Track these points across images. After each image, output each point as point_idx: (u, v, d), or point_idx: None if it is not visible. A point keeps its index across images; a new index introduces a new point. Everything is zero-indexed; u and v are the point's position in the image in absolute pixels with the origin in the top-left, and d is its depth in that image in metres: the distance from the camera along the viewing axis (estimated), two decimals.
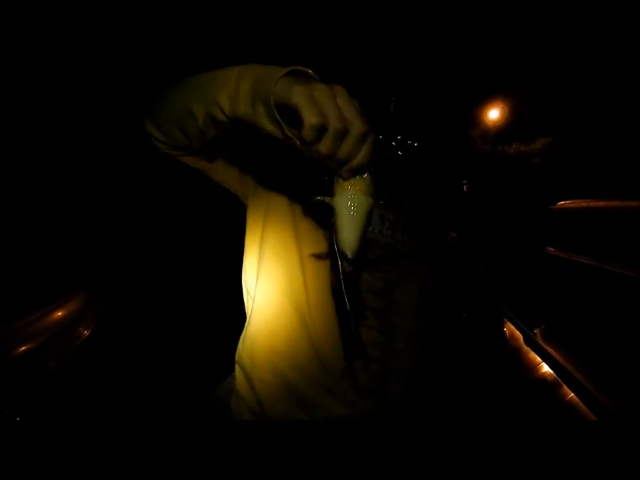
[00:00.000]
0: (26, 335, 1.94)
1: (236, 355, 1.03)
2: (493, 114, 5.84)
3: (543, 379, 1.96)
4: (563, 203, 2.52)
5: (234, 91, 0.61)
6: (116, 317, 2.31)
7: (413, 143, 5.81)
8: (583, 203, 2.32)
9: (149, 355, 2.35)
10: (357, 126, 0.49)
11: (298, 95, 0.51)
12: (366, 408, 0.96)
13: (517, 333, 2.46)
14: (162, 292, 2.69)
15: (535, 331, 2.19)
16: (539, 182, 4.81)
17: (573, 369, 1.74)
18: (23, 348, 1.90)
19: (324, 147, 0.50)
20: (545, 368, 2.01)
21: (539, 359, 2.12)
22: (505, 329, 2.56)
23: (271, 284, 0.92)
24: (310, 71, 0.56)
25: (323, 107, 0.49)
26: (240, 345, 1.03)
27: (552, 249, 2.45)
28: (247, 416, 0.98)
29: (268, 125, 0.57)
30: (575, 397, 1.67)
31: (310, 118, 0.49)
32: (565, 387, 1.77)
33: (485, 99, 5.85)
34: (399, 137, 5.44)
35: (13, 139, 2.58)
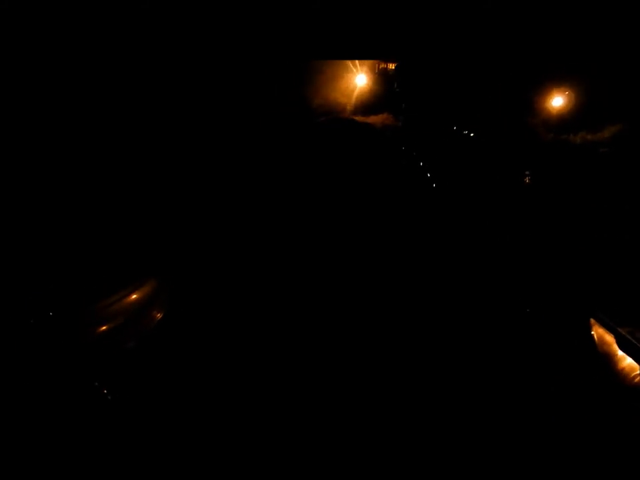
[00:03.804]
0: (107, 315, 2.05)
1: None
2: (557, 101, 5.45)
3: None
4: None
5: None
6: (185, 302, 2.40)
7: (469, 133, 5.55)
8: None
9: (215, 339, 2.41)
10: None
11: None
12: None
13: (608, 336, 2.19)
14: (226, 282, 2.77)
15: (636, 334, 1.93)
16: (610, 173, 4.38)
17: None
18: (104, 327, 2.02)
19: None
20: None
21: (637, 366, 1.87)
22: (592, 332, 2.30)
23: None
24: None
25: None
26: None
27: None
28: None
29: None
30: None
31: None
32: None
33: (549, 85, 5.48)
34: (454, 127, 5.25)
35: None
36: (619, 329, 2.09)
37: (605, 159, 4.59)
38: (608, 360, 2.08)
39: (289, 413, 1.92)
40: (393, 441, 1.76)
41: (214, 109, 4.03)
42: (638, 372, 1.81)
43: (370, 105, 5.43)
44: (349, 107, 5.60)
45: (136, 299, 2.21)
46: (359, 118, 5.40)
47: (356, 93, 5.44)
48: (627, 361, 1.93)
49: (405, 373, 2.22)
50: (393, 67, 5.51)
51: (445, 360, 2.32)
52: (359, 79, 5.44)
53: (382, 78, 5.54)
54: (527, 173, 5.18)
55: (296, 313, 2.64)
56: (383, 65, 5.52)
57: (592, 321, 2.33)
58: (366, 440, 1.75)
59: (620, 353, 2.02)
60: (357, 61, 5.38)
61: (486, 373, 2.14)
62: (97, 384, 1.66)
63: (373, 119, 5.39)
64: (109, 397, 1.64)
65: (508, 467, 1.77)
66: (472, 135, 5.27)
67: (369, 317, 2.64)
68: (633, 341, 1.94)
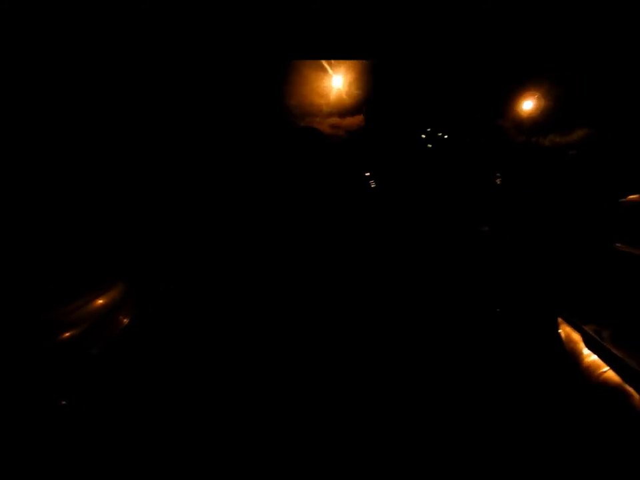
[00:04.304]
0: (69, 322, 1.97)
1: None
2: (528, 104, 5.62)
3: (610, 386, 1.78)
4: (635, 196, 2.32)
5: None
6: (155, 304, 2.33)
7: (443, 135, 5.65)
8: None
9: (185, 344, 2.35)
10: None
11: None
12: None
13: (575, 334, 2.25)
14: (199, 283, 2.70)
15: (601, 333, 1.99)
16: (580, 175, 4.54)
17: None
18: (67, 334, 1.93)
19: None
20: (611, 374, 1.82)
21: (602, 364, 1.92)
22: (560, 331, 2.36)
23: None
24: None
25: None
26: None
27: (621, 245, 2.25)
28: None
29: None
30: None
31: None
32: (638, 397, 1.59)
33: (520, 88, 5.64)
34: (428, 130, 5.34)
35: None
36: (586, 328, 2.15)
37: (573, 161, 4.74)
38: (574, 357, 2.13)
39: (275, 422, 1.88)
40: (382, 440, 1.75)
41: (191, 109, 3.94)
42: (603, 370, 1.86)
43: (347, 106, 5.45)
44: (325, 108, 5.59)
45: (101, 304, 2.13)
46: (334, 120, 5.40)
47: (333, 94, 5.44)
48: (592, 359, 1.99)
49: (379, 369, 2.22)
50: (369, 68, 5.53)
51: (418, 356, 2.33)
52: (335, 79, 5.45)
53: (360, 78, 5.56)
54: (498, 174, 5.29)
55: (271, 314, 2.61)
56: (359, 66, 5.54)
57: (559, 319, 2.39)
58: (361, 439, 1.73)
59: (586, 350, 2.07)
60: (333, 61, 5.38)
61: (454, 370, 2.16)
62: (55, 394, 1.58)
63: (349, 121, 5.40)
64: (68, 408, 1.56)
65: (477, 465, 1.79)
66: (445, 136, 5.34)
67: (342, 317, 2.63)
68: (598, 339, 2.00)
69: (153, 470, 1.65)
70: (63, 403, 1.56)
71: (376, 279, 3.08)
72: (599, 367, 1.90)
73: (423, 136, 5.18)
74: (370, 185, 4.43)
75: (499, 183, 5.24)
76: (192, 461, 1.74)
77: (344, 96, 5.63)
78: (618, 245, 2.30)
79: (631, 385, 1.68)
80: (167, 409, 1.97)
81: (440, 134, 5.44)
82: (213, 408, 1.98)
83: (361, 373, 2.27)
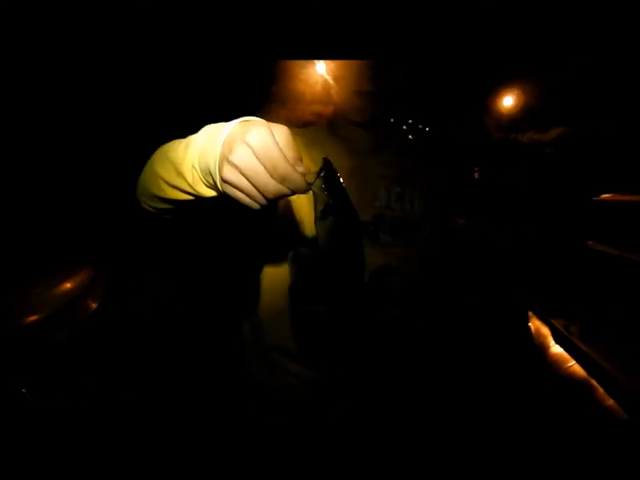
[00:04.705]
0: (34, 305, 1.89)
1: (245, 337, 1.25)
2: (508, 100, 5.64)
3: (576, 379, 1.84)
4: (608, 195, 2.37)
5: (185, 173, 0.67)
6: (124, 290, 2.25)
7: (424, 128, 5.67)
8: (628, 197, 2.16)
9: (156, 330, 2.29)
10: (279, 169, 0.54)
11: (225, 186, 0.59)
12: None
13: (544, 328, 2.32)
14: (169, 268, 2.64)
15: (570, 328, 2.06)
16: (556, 172, 4.64)
17: (616, 371, 1.61)
18: (32, 318, 1.85)
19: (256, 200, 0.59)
20: (577, 368, 1.88)
21: (569, 357, 1.98)
22: (529, 324, 2.42)
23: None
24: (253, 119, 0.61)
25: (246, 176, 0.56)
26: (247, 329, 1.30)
27: (593, 243, 2.31)
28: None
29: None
30: (614, 403, 1.54)
31: (239, 198, 0.59)
32: (602, 390, 1.65)
33: (501, 84, 5.65)
34: (410, 121, 5.34)
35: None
36: (554, 322, 2.21)
37: (549, 159, 4.82)
38: (543, 351, 2.19)
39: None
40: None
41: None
42: (570, 364, 1.92)
43: (331, 95, 5.38)
44: (308, 96, 5.50)
45: (69, 287, 2.04)
46: (317, 107, 5.32)
47: (318, 83, 5.35)
48: (560, 352, 2.05)
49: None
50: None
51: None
52: (320, 67, 5.35)
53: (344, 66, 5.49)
54: (476, 169, 5.33)
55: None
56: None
57: (530, 313, 2.45)
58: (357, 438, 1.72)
59: (554, 344, 2.14)
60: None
61: (427, 363, 2.17)
62: (14, 381, 1.50)
63: (330, 109, 5.34)
64: (29, 397, 1.49)
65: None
66: (427, 129, 5.34)
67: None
68: (566, 334, 2.06)
69: (122, 461, 1.61)
70: (24, 390, 1.49)
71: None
72: (566, 361, 1.97)
73: (404, 127, 5.19)
74: None
75: (476, 177, 5.32)
76: (166, 453, 1.71)
77: (328, 85, 5.53)
78: (590, 242, 2.36)
79: (595, 379, 1.74)
80: (139, 395, 1.92)
81: (421, 126, 5.46)
82: (189, 399, 1.94)
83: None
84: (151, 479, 1.53)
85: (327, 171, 0.58)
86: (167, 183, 0.71)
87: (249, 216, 1.06)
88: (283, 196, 0.57)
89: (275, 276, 1.09)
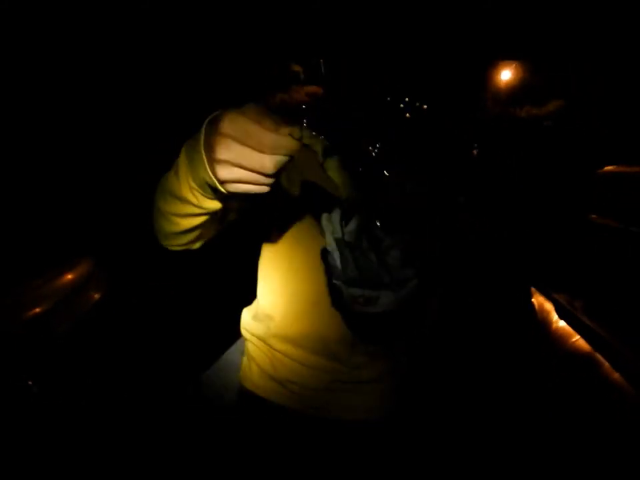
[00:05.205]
0: (35, 298, 1.88)
1: (244, 323, 1.19)
2: (505, 74, 5.52)
3: (580, 353, 1.84)
4: (610, 167, 2.32)
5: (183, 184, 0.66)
6: (125, 282, 2.24)
7: (422, 105, 5.51)
8: (631, 168, 2.12)
9: (156, 323, 2.29)
10: (265, 141, 0.53)
11: (226, 186, 0.60)
12: (370, 373, 1.08)
13: (547, 304, 2.31)
14: (171, 262, 2.62)
15: (573, 303, 2.05)
16: (555, 146, 4.58)
17: (621, 344, 1.61)
18: (33, 311, 1.84)
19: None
20: (581, 342, 1.88)
21: (573, 332, 1.99)
22: (533, 300, 2.42)
23: (284, 270, 1.11)
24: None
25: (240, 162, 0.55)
26: (248, 316, 1.22)
27: (596, 217, 2.27)
28: (256, 374, 1.13)
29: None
30: (620, 377, 1.55)
31: (244, 190, 0.58)
32: (607, 364, 1.65)
33: (498, 58, 5.53)
34: (407, 99, 5.19)
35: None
36: (558, 297, 2.21)
37: (548, 132, 4.74)
38: (547, 326, 2.20)
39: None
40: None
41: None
42: (574, 338, 1.92)
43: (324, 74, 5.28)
44: (301, 75, 5.39)
45: (70, 279, 2.03)
46: (311, 88, 5.22)
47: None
48: (564, 327, 2.05)
49: None
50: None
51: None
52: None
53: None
54: (475, 145, 5.26)
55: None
56: None
57: (532, 289, 2.45)
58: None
59: (558, 319, 2.14)
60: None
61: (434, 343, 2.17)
62: (22, 374, 1.50)
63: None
64: (35, 389, 1.50)
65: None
66: (424, 106, 5.23)
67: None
68: (570, 308, 2.05)
69: (123, 455, 1.61)
70: (30, 383, 1.49)
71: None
72: (570, 336, 1.97)
73: (401, 105, 5.09)
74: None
75: (475, 153, 5.24)
76: (165, 448, 1.71)
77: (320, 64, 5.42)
78: (593, 216, 2.33)
79: (600, 353, 1.74)
80: (142, 386, 1.92)
81: (418, 104, 5.35)
82: (187, 392, 1.94)
83: None
84: (151, 477, 1.54)
85: (310, 114, 0.58)
86: (177, 215, 0.71)
87: (269, 209, 1.06)
88: (284, 165, 0.56)
89: (285, 262, 1.08)
